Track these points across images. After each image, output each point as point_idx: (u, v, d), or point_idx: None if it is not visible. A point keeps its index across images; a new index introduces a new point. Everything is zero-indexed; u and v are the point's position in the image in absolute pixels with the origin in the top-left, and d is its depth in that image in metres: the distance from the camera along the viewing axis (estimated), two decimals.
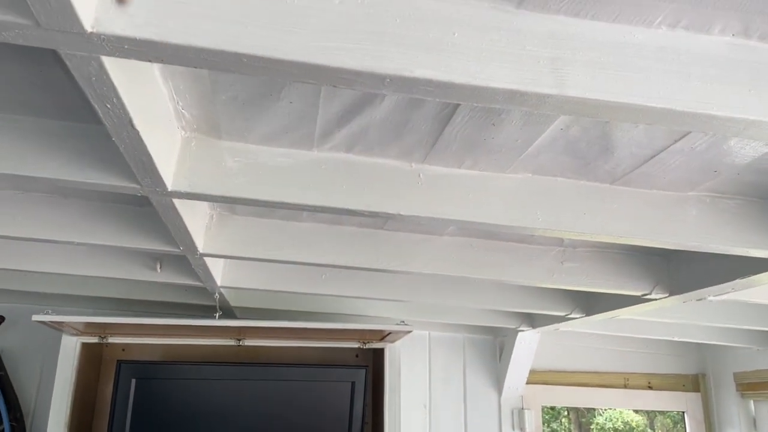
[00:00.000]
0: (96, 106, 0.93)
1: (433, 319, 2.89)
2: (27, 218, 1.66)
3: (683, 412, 3.64)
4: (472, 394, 3.38)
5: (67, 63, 0.80)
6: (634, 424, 7.01)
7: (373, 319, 2.80)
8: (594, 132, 1.20)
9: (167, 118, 1.18)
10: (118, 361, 2.57)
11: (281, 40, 0.77)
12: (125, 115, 0.95)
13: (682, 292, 1.91)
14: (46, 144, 1.23)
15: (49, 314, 2.30)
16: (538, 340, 3.19)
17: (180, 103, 1.15)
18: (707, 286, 1.79)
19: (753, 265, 1.60)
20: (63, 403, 2.51)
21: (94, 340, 2.66)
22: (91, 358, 2.76)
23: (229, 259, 2.09)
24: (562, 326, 2.71)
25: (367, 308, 2.78)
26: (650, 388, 3.57)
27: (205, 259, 1.88)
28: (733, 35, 0.90)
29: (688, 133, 1.19)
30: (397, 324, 2.51)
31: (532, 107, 0.87)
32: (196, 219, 1.66)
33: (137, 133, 1.01)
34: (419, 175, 1.37)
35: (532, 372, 3.39)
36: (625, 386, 3.55)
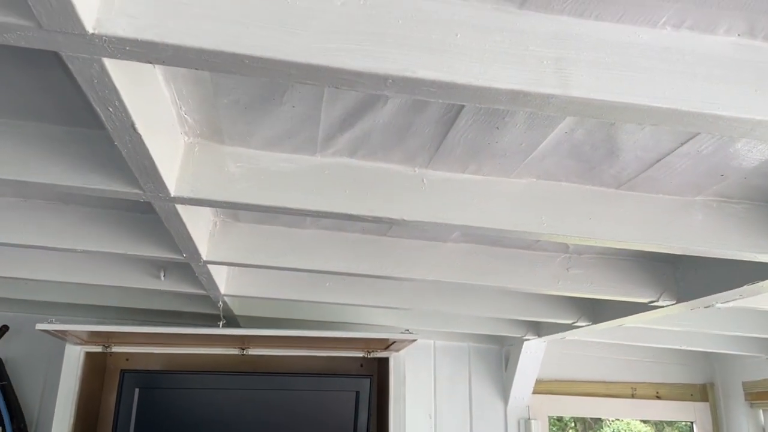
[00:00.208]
0: (98, 110, 0.92)
1: (437, 328, 2.87)
2: (29, 225, 1.66)
3: (692, 423, 3.59)
4: (477, 404, 3.35)
5: (69, 65, 0.80)
6: None
7: (377, 328, 2.78)
8: (599, 135, 1.19)
9: (170, 122, 1.18)
10: (121, 370, 2.56)
11: (282, 41, 0.77)
12: (127, 119, 0.95)
13: (689, 299, 1.89)
14: (48, 149, 1.23)
15: (52, 323, 2.29)
16: (544, 349, 3.16)
17: (183, 108, 1.15)
18: (715, 293, 1.77)
19: (761, 271, 1.58)
20: (66, 412, 2.50)
21: (97, 349, 2.65)
22: (95, 368, 2.75)
23: (233, 266, 2.08)
24: (569, 335, 2.68)
25: (371, 317, 2.77)
26: (658, 397, 3.53)
27: (209, 266, 1.87)
28: (738, 35, 0.89)
29: (694, 136, 1.18)
30: (402, 333, 2.49)
31: (536, 108, 0.86)
32: (200, 226, 1.66)
33: (139, 137, 1.01)
34: (423, 180, 1.36)
35: (539, 382, 3.35)
36: (633, 396, 3.51)
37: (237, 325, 2.82)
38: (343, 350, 2.78)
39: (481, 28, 0.83)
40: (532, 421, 3.33)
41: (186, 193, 1.26)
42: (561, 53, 0.84)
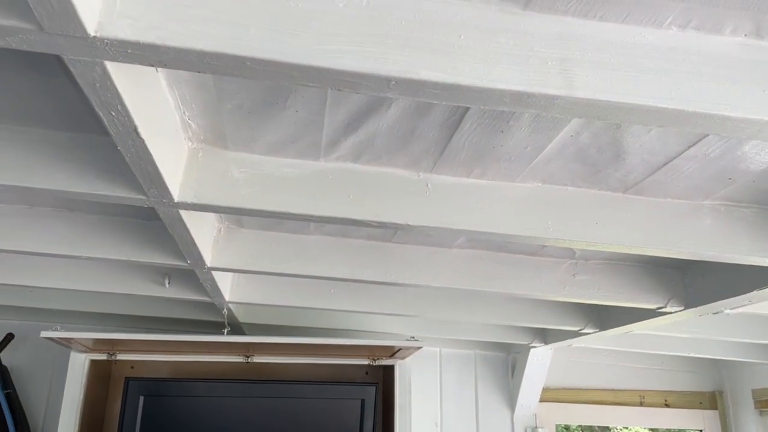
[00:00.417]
0: (101, 114, 0.92)
1: (443, 335, 2.85)
2: (34, 232, 1.66)
3: (701, 431, 3.55)
4: (484, 411, 3.32)
5: (71, 69, 0.80)
6: None
7: (382, 335, 2.77)
8: (604, 138, 1.18)
9: (173, 128, 1.17)
10: (126, 378, 2.55)
11: (284, 43, 0.76)
12: (130, 123, 0.95)
13: (697, 305, 1.87)
14: (52, 155, 1.23)
15: (57, 331, 2.29)
16: (551, 356, 3.14)
17: (186, 113, 1.15)
18: (723, 299, 1.75)
19: None
20: (71, 420, 2.49)
21: (102, 357, 2.65)
22: (100, 376, 2.75)
23: (237, 272, 2.08)
24: (576, 342, 2.66)
25: (376, 324, 2.75)
26: (667, 405, 3.49)
27: (213, 273, 1.86)
28: (745, 35, 0.88)
29: (701, 139, 1.16)
30: (407, 340, 2.47)
31: (541, 109, 0.85)
32: (204, 232, 1.66)
33: (142, 141, 1.00)
34: (427, 185, 1.35)
35: (546, 389, 3.32)
36: (641, 404, 3.47)
37: (242, 333, 2.81)
38: (348, 358, 2.77)
39: (485, 29, 0.82)
40: (539, 429, 3.30)
41: (189, 199, 1.26)
42: (566, 54, 0.83)
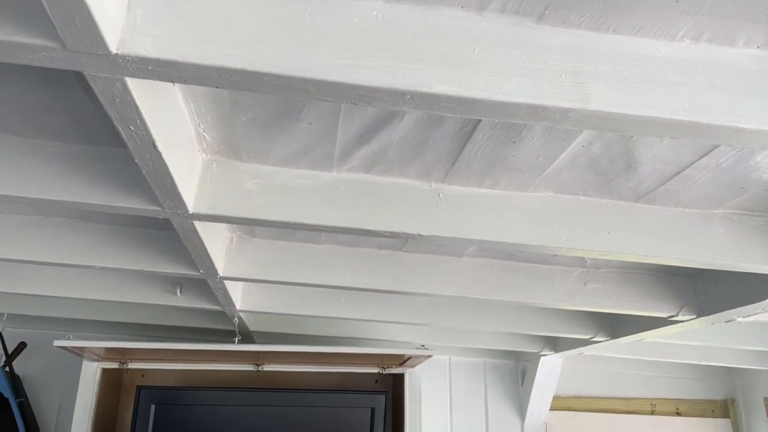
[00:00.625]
0: (120, 128, 0.94)
1: (453, 343, 2.85)
2: (49, 242, 1.67)
3: None
4: (494, 420, 3.31)
5: (92, 85, 0.82)
6: None
7: (392, 344, 2.77)
8: (616, 148, 1.19)
9: (188, 140, 1.19)
10: (137, 386, 2.56)
11: (301, 59, 0.78)
12: (148, 137, 0.96)
13: (709, 314, 1.86)
14: (69, 168, 1.24)
15: (70, 340, 2.30)
16: (561, 364, 3.13)
17: (201, 126, 1.16)
18: (735, 307, 1.75)
19: None
20: (83, 428, 2.50)
21: (114, 365, 2.66)
22: (111, 384, 2.76)
23: (249, 282, 2.09)
24: (586, 350, 2.65)
25: (386, 332, 2.75)
26: (678, 414, 3.47)
27: (225, 282, 1.87)
28: (757, 47, 0.88)
29: (714, 148, 1.17)
30: (417, 348, 2.47)
31: (555, 122, 0.86)
32: (216, 242, 1.67)
33: (159, 154, 1.02)
34: (439, 195, 1.36)
35: (556, 398, 3.31)
36: (652, 412, 3.45)
37: (252, 341, 2.82)
38: (358, 366, 2.76)
39: (499, 43, 0.83)
40: None
41: (204, 210, 1.27)
42: (579, 67, 0.83)
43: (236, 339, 2.47)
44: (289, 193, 1.31)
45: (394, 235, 1.35)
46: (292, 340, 2.78)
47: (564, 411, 3.37)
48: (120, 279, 2.16)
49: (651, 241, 1.40)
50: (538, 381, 3.15)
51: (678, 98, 0.84)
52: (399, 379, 2.77)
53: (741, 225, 1.43)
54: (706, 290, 1.89)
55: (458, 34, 0.83)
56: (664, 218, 1.41)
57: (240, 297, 2.18)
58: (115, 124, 0.92)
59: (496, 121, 1.09)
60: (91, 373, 2.59)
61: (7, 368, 2.84)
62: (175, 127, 1.08)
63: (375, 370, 2.77)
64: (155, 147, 0.99)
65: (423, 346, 2.48)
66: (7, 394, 2.77)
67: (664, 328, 2.04)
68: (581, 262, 1.89)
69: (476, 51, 0.83)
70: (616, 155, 1.21)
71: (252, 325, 2.60)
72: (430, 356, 2.49)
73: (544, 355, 2.97)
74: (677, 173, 1.27)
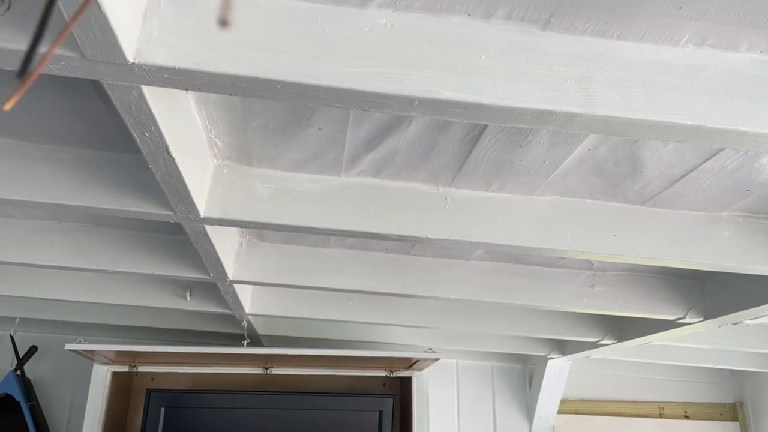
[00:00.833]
0: (135, 134, 0.96)
1: (460, 346, 2.86)
2: (62, 247, 1.70)
3: None
4: (502, 424, 3.31)
5: (110, 93, 0.84)
6: None
7: (400, 347, 2.78)
8: (622, 152, 1.20)
9: (200, 146, 1.21)
10: (147, 389, 2.59)
11: (313, 66, 0.80)
12: (162, 143, 0.98)
13: (717, 316, 1.86)
14: (83, 173, 1.27)
15: (81, 343, 2.33)
16: (568, 368, 3.13)
17: (213, 132, 1.19)
18: (743, 309, 1.75)
19: None
20: (94, 431, 2.52)
21: (124, 368, 2.69)
22: (122, 387, 2.79)
23: (258, 285, 2.11)
24: (594, 353, 2.65)
25: (394, 336, 2.77)
26: (686, 417, 3.46)
27: (235, 286, 1.90)
28: (760, 52, 0.90)
29: (719, 152, 1.18)
30: (425, 351, 2.48)
31: (561, 127, 0.88)
32: (227, 246, 1.69)
33: (173, 160, 1.04)
34: (446, 199, 1.37)
35: (564, 401, 3.31)
36: (661, 416, 3.44)
37: (261, 345, 2.84)
38: (366, 369, 2.78)
39: (505, 50, 0.85)
40: None
41: (215, 214, 1.29)
42: (584, 72, 0.85)
43: (245, 342, 2.49)
44: (298, 198, 1.33)
45: (402, 238, 1.37)
46: (300, 343, 2.80)
47: (572, 414, 3.37)
48: (130, 283, 2.19)
49: (657, 244, 1.41)
50: (545, 384, 3.15)
51: (682, 103, 0.86)
52: (407, 383, 2.78)
53: (747, 227, 1.44)
54: (712, 293, 1.89)
55: (465, 41, 0.85)
56: (670, 221, 1.43)
57: (249, 300, 2.20)
58: (131, 130, 0.94)
59: (503, 125, 1.10)
60: (101, 377, 2.62)
61: (18, 372, 2.88)
62: (187, 133, 1.11)
63: (383, 374, 2.78)
64: (169, 152, 1.01)
65: (430, 349, 2.50)
66: (19, 397, 2.80)
67: (671, 330, 2.04)
68: (588, 265, 1.90)
69: (483, 57, 0.84)
70: (621, 159, 1.22)
71: (261, 329, 2.62)
72: (437, 359, 2.50)
73: (552, 358, 2.97)
74: (682, 176, 1.28)
